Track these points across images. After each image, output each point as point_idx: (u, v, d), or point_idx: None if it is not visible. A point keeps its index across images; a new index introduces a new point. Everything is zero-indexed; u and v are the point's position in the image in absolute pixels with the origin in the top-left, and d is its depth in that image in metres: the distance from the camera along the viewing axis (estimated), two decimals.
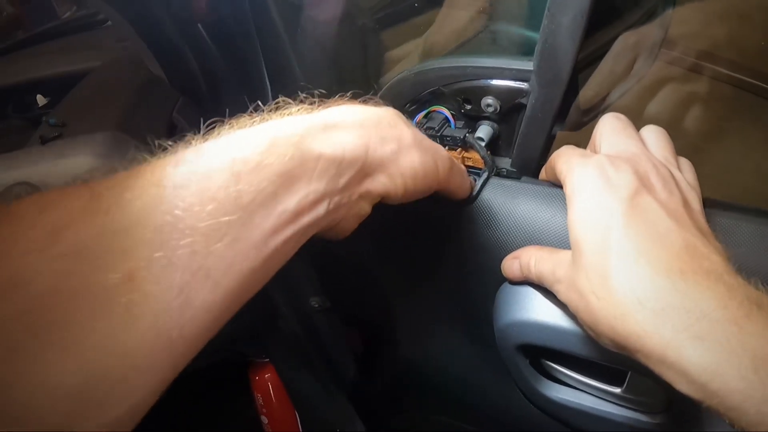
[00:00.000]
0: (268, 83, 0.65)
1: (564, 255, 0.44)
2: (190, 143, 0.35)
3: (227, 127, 0.38)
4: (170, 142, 0.35)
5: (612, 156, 0.44)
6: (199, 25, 0.63)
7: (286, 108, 0.41)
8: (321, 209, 0.39)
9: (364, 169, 0.42)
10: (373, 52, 0.91)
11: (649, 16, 0.67)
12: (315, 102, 0.43)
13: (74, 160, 0.60)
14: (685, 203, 0.42)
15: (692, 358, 0.34)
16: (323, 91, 0.45)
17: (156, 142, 0.35)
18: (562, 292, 0.44)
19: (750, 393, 0.32)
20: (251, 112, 0.40)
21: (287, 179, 0.36)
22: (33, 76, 0.87)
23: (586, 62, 0.55)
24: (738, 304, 0.34)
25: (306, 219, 0.37)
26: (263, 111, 0.41)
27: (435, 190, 0.49)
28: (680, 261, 0.37)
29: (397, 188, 0.44)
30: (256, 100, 0.65)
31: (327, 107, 0.43)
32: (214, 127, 0.37)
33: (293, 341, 0.86)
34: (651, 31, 0.65)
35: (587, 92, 0.57)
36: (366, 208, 0.45)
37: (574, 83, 0.52)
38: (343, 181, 0.40)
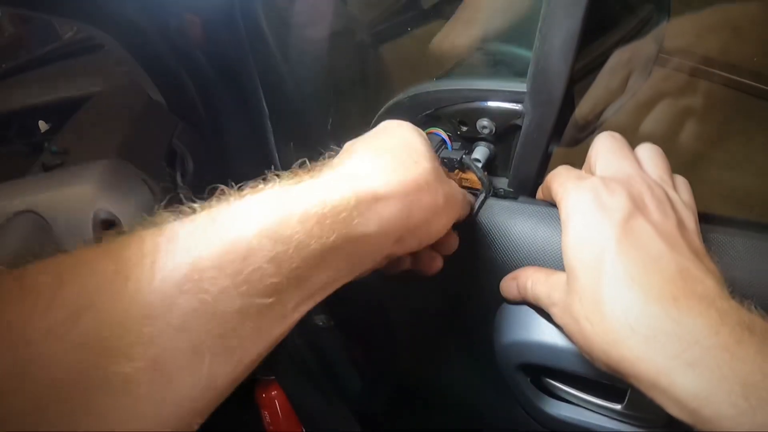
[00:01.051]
0: (265, 107, 0.66)
1: (560, 278, 0.45)
2: (227, 200, 0.34)
3: (268, 184, 0.36)
4: (201, 199, 0.34)
5: (606, 178, 0.44)
6: (198, 51, 0.64)
7: (329, 164, 0.40)
8: (351, 276, 0.39)
9: (398, 238, 0.41)
10: (372, 68, 0.92)
11: (644, 24, 0.67)
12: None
13: (77, 188, 0.60)
14: (680, 224, 0.42)
15: (684, 384, 0.34)
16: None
17: (188, 203, 0.33)
18: (558, 315, 0.44)
19: (740, 420, 0.32)
20: (296, 166, 0.39)
21: (327, 260, 0.34)
22: (35, 101, 0.87)
23: (582, 73, 0.56)
24: (730, 330, 0.34)
25: (336, 286, 0.37)
26: (306, 164, 0.39)
27: None
28: (673, 286, 0.37)
29: (420, 247, 0.45)
30: (254, 125, 0.66)
31: (367, 161, 0.41)
32: (254, 186, 0.35)
33: (299, 359, 0.87)
34: (645, 46, 0.65)
35: (583, 109, 0.57)
36: (384, 263, 0.46)
37: (570, 101, 0.52)
38: (378, 252, 0.40)
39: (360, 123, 0.67)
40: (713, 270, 0.40)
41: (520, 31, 0.60)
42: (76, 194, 0.60)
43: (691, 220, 0.44)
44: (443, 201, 0.44)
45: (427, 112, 0.58)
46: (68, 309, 0.26)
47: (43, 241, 0.57)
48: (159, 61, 0.64)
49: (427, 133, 0.59)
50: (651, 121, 0.83)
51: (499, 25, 0.67)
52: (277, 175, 0.37)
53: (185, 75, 0.65)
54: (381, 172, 0.40)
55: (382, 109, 0.62)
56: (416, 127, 0.48)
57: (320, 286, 0.35)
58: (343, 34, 0.83)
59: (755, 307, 0.37)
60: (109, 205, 0.59)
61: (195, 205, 0.33)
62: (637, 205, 0.42)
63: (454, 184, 0.49)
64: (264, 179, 0.37)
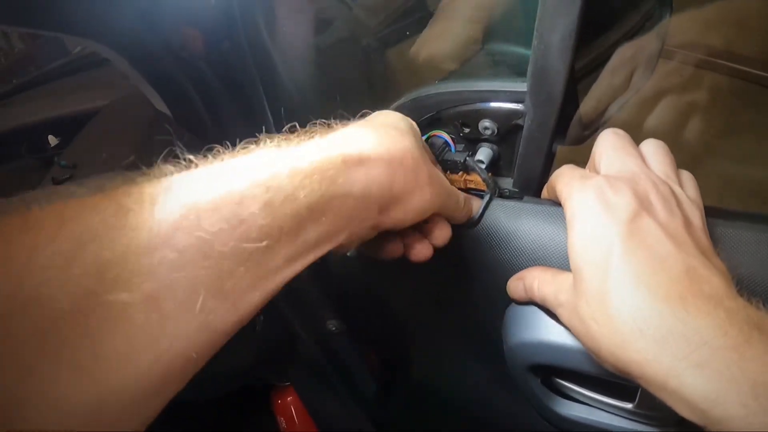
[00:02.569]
0: (270, 116, 0.66)
1: (566, 278, 0.44)
2: (222, 158, 0.36)
3: (261, 144, 0.38)
4: (200, 154, 0.35)
5: (611, 177, 0.44)
6: (201, 62, 0.64)
7: (320, 131, 0.42)
8: (339, 238, 0.40)
9: (385, 203, 0.42)
10: (378, 72, 0.92)
11: (647, 19, 0.67)
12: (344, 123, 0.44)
13: (80, 190, 0.61)
14: (686, 222, 0.42)
15: (693, 386, 0.34)
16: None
17: (185, 155, 0.35)
18: (565, 316, 0.44)
19: (750, 420, 0.32)
20: (286, 130, 0.40)
21: (315, 213, 0.36)
22: (44, 116, 0.89)
23: (585, 71, 0.55)
24: (738, 330, 0.34)
25: (324, 248, 0.38)
26: (297, 131, 0.41)
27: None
28: (680, 286, 0.37)
29: (405, 221, 0.45)
30: (260, 133, 0.67)
31: (357, 130, 0.43)
32: (246, 145, 0.37)
33: (313, 364, 0.87)
34: (648, 42, 0.64)
35: (587, 106, 0.57)
36: (372, 234, 0.46)
37: (573, 99, 0.52)
38: (364, 215, 0.41)
39: None
40: (721, 268, 0.40)
41: (519, 29, 0.60)
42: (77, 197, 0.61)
43: (697, 217, 0.43)
44: (426, 176, 0.45)
45: (429, 114, 0.58)
46: (71, 242, 0.27)
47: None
48: (164, 74, 0.65)
49: (431, 136, 0.59)
50: (659, 115, 0.82)
51: (471, 35, 0.67)
52: (269, 138, 0.39)
53: (190, 86, 0.66)
54: (368, 139, 0.42)
55: None
56: (405, 117, 0.49)
57: (310, 243, 0.37)
58: (347, 40, 0.84)
59: (764, 305, 0.36)
60: None
61: (192, 159, 0.35)
62: (643, 204, 0.41)
63: (440, 173, 0.50)
64: (256, 141, 0.38)
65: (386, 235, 0.50)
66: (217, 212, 0.31)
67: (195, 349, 0.30)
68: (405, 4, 1.16)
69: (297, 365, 0.90)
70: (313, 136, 0.41)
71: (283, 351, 0.86)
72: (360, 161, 0.40)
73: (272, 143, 0.38)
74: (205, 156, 0.36)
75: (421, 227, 0.51)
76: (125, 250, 0.28)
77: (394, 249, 0.51)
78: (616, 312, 0.38)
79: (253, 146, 0.38)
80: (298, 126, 0.43)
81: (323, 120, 0.44)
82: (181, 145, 0.36)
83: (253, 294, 0.33)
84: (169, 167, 0.34)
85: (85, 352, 0.26)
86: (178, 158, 0.35)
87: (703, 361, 0.34)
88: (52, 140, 0.88)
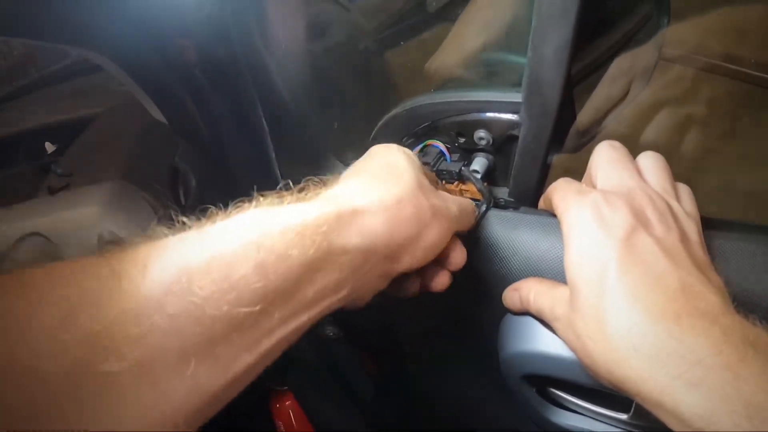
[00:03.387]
0: (265, 124, 0.66)
1: (562, 292, 0.44)
2: (215, 219, 0.35)
3: (254, 205, 0.37)
4: (193, 218, 0.35)
5: (607, 192, 0.44)
6: (195, 70, 0.64)
7: (314, 189, 0.41)
8: (341, 294, 0.39)
9: (390, 253, 0.42)
10: (377, 77, 0.92)
11: (644, 23, 0.66)
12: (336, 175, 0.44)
13: (81, 210, 0.61)
14: (683, 236, 0.42)
15: (687, 404, 0.34)
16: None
17: (180, 218, 0.35)
18: (561, 330, 0.44)
19: None
20: (281, 188, 0.40)
21: (309, 271, 0.35)
22: (41, 122, 0.89)
23: (584, 74, 0.55)
24: (733, 349, 0.34)
25: (325, 303, 0.38)
26: (291, 188, 0.41)
27: None
28: (676, 304, 0.37)
29: (418, 262, 0.45)
30: (255, 142, 0.67)
31: (350, 184, 0.43)
32: (240, 205, 0.37)
33: (311, 369, 0.87)
34: (645, 52, 0.64)
35: (584, 116, 0.57)
36: (384, 284, 0.45)
37: (569, 109, 0.52)
38: (367, 267, 0.40)
39: (362, 135, 0.67)
40: (717, 283, 0.40)
41: (515, 40, 0.60)
42: (81, 217, 0.61)
43: (694, 231, 0.43)
44: (430, 213, 0.44)
45: (425, 124, 0.58)
46: (64, 307, 0.27)
47: (50, 262, 0.58)
48: (158, 82, 0.65)
49: (426, 146, 0.59)
50: (657, 124, 0.82)
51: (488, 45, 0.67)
52: (263, 196, 0.38)
53: (185, 94, 0.66)
54: (361, 191, 0.42)
55: (380, 123, 0.62)
56: (402, 148, 0.49)
57: (306, 302, 0.36)
58: (343, 45, 0.83)
59: (761, 321, 0.36)
60: (113, 226, 0.60)
61: (186, 222, 0.35)
62: (639, 220, 0.41)
63: (448, 196, 0.49)
64: (250, 200, 0.38)
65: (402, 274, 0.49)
66: (209, 275, 0.31)
67: (183, 412, 0.30)
68: (403, 7, 1.16)
69: (295, 370, 0.90)
70: (306, 194, 0.40)
71: (281, 356, 0.86)
72: (354, 214, 0.39)
73: (265, 201, 0.38)
74: (198, 218, 0.35)
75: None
76: (117, 316, 0.28)
77: (412, 287, 0.50)
78: (612, 330, 0.38)
79: (246, 205, 0.37)
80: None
81: (315, 178, 0.44)
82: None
83: (246, 357, 0.33)
84: (163, 229, 0.34)
85: (74, 420, 0.26)
86: (173, 220, 0.35)
87: (697, 379, 0.34)
88: (49, 147, 0.88)
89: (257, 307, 0.32)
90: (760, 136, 1.08)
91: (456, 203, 0.49)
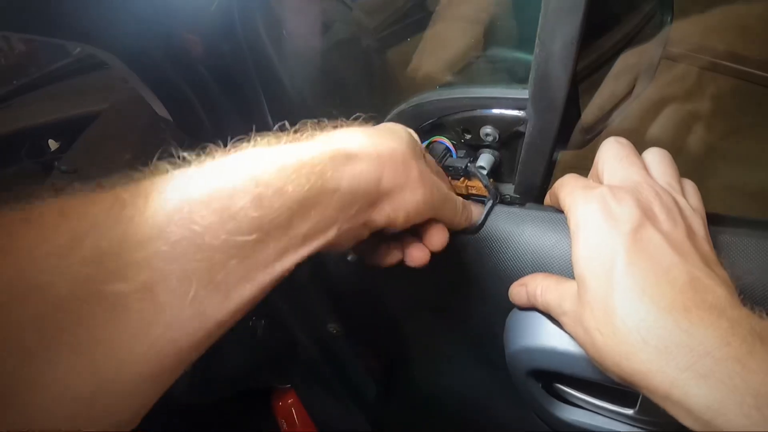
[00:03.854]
0: (270, 120, 0.66)
1: (570, 287, 0.45)
2: (214, 156, 0.37)
3: (252, 143, 0.39)
4: (194, 153, 0.36)
5: (614, 187, 0.44)
6: (200, 66, 0.64)
7: (310, 131, 0.42)
8: (330, 234, 0.40)
9: (373, 199, 0.43)
10: (379, 73, 0.92)
11: (649, 20, 0.67)
12: (336, 124, 0.45)
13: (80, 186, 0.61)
14: (689, 232, 0.42)
15: (696, 396, 0.34)
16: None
17: (180, 154, 0.36)
18: (569, 324, 0.44)
19: (754, 430, 0.32)
20: (276, 129, 0.41)
21: (304, 206, 0.37)
22: (44, 120, 0.88)
23: (589, 71, 0.55)
24: (741, 341, 0.34)
25: (315, 243, 0.39)
26: (288, 130, 0.41)
27: (429, 218, 0.50)
28: (684, 297, 0.37)
29: (398, 219, 0.45)
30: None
31: (346, 131, 0.44)
32: (237, 144, 0.38)
33: (313, 367, 0.87)
34: (650, 49, 0.64)
35: (589, 112, 0.57)
36: (365, 233, 0.46)
37: (575, 105, 0.52)
38: (353, 210, 0.41)
39: None
40: (724, 277, 0.40)
41: (522, 36, 0.60)
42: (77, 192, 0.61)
43: (700, 226, 0.44)
44: (417, 175, 0.45)
45: (431, 120, 0.58)
46: (70, 235, 0.28)
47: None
48: (162, 78, 0.64)
49: (432, 142, 0.59)
50: (662, 121, 0.82)
51: (470, 41, 0.67)
52: (260, 136, 0.40)
53: (189, 91, 0.65)
54: (356, 138, 0.43)
55: (386, 119, 0.62)
56: (406, 127, 0.50)
57: (300, 237, 0.37)
58: (347, 42, 0.84)
59: (767, 315, 0.37)
60: None
61: (186, 157, 0.36)
62: (646, 214, 0.41)
63: (440, 183, 0.50)
64: (248, 139, 0.39)
65: (385, 241, 0.50)
66: (209, 206, 0.32)
67: (187, 337, 0.31)
68: (405, 5, 1.16)
69: (298, 368, 0.90)
70: (303, 135, 0.42)
71: (283, 354, 0.86)
72: (347, 157, 0.40)
73: (263, 141, 0.39)
74: (198, 154, 0.37)
75: (418, 232, 0.51)
76: (122, 241, 0.29)
77: (393, 255, 0.51)
78: (621, 323, 0.38)
79: (245, 144, 0.39)
80: (288, 125, 0.43)
81: (315, 120, 0.45)
82: (178, 148, 0.36)
83: (244, 286, 0.34)
84: (165, 165, 0.35)
85: (83, 338, 0.27)
86: (174, 156, 0.36)
87: (706, 371, 0.34)
88: (53, 144, 0.88)
89: (253, 236, 0.33)
90: (764, 135, 1.08)
91: (446, 191, 0.51)
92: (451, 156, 0.58)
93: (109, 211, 0.29)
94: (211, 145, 0.38)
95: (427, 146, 0.60)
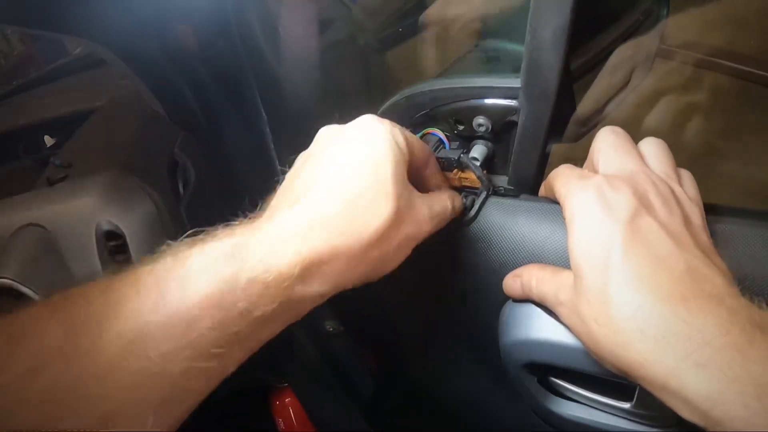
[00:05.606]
0: (263, 114, 0.66)
1: (566, 277, 0.44)
2: (176, 258, 0.35)
3: (216, 238, 0.37)
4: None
5: (610, 176, 0.43)
6: (195, 61, 0.64)
7: (279, 207, 0.41)
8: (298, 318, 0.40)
9: (354, 284, 0.43)
10: (377, 71, 0.92)
11: (644, 19, 0.66)
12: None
13: (79, 201, 0.61)
14: (686, 221, 0.42)
15: (694, 386, 0.34)
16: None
17: (142, 258, 0.35)
18: (565, 315, 0.44)
19: (753, 421, 0.31)
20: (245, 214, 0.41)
21: (267, 322, 0.36)
22: (41, 117, 0.89)
23: (585, 69, 0.55)
24: (740, 330, 0.34)
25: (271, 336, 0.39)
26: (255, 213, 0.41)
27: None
28: (682, 286, 0.37)
29: (394, 263, 0.45)
30: (253, 132, 0.67)
31: (325, 211, 0.40)
32: (198, 237, 0.37)
33: (311, 365, 0.87)
34: (646, 42, 0.64)
35: (584, 105, 0.57)
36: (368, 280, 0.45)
37: (570, 98, 0.52)
38: (323, 301, 0.41)
39: None
40: (722, 267, 0.40)
41: (513, 25, 0.60)
42: (78, 207, 0.61)
43: (697, 216, 0.43)
44: (395, 246, 0.44)
45: (423, 112, 0.58)
46: (23, 367, 0.28)
47: (48, 252, 0.58)
48: (158, 73, 0.65)
49: (425, 134, 0.59)
50: (658, 114, 0.82)
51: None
52: (223, 232, 0.38)
53: (184, 86, 0.66)
54: (330, 231, 0.40)
55: (379, 111, 0.62)
56: (394, 133, 0.46)
57: (259, 343, 0.37)
58: (343, 41, 0.83)
59: (767, 304, 0.36)
60: (111, 216, 0.60)
61: (143, 260, 0.36)
62: (643, 203, 0.41)
63: (425, 212, 0.47)
64: (209, 234, 0.38)
65: None
66: (166, 336, 0.32)
67: None
68: (404, 5, 1.16)
69: (295, 366, 0.90)
70: (273, 215, 0.41)
71: (280, 352, 0.86)
72: (320, 264, 0.39)
73: (227, 240, 0.37)
74: (155, 252, 0.36)
75: None
76: (79, 375, 0.29)
77: None
78: (618, 312, 0.37)
79: (207, 240, 0.37)
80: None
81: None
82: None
83: (200, 398, 0.35)
84: (117, 275, 0.34)
85: None
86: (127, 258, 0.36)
87: (705, 360, 0.34)
88: (48, 141, 0.88)
89: (213, 363, 0.33)
90: (761, 130, 1.07)
91: (431, 206, 0.48)
92: (444, 147, 0.58)
93: (63, 343, 0.29)
94: (168, 242, 0.37)
95: (420, 138, 0.59)
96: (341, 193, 0.41)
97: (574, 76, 0.50)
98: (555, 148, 0.55)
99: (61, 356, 0.29)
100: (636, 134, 0.50)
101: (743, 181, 0.96)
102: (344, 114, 0.70)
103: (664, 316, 0.36)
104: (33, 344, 0.29)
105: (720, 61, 1.11)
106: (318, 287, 0.39)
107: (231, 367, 0.36)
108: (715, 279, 0.37)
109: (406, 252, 0.46)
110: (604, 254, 0.39)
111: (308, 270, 0.38)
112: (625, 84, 0.64)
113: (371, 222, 0.41)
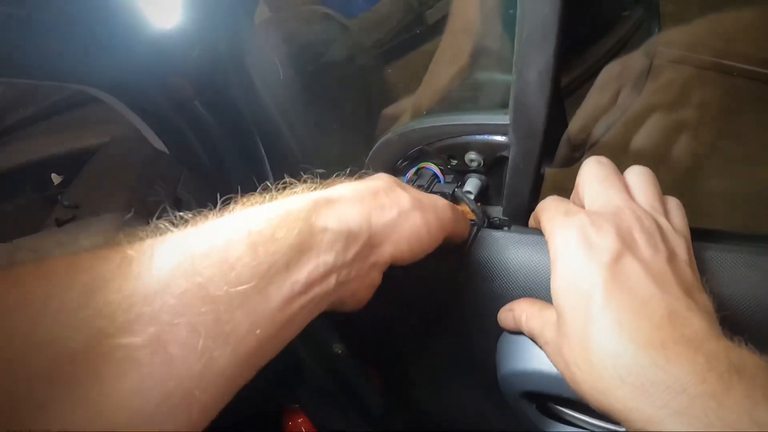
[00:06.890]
0: (263, 152, 0.67)
1: (552, 314, 0.45)
2: (207, 216, 0.38)
3: (240, 204, 0.40)
4: (191, 215, 0.38)
5: (594, 214, 0.44)
6: (195, 102, 0.65)
7: (292, 187, 0.43)
8: (331, 281, 0.40)
9: (370, 240, 0.43)
10: (376, 96, 0.92)
11: (635, 31, 0.67)
12: (316, 181, 0.46)
13: (86, 242, 0.62)
14: (671, 256, 0.42)
15: None
16: (322, 171, 0.48)
17: (178, 215, 0.37)
18: (550, 354, 0.45)
19: None
20: (260, 190, 0.42)
21: (298, 251, 0.38)
22: (47, 153, 0.90)
23: (582, 80, 0.56)
24: (717, 377, 0.34)
25: (317, 290, 0.39)
26: (272, 190, 0.43)
27: (443, 240, 0.50)
28: (661, 332, 0.37)
29: (404, 253, 0.46)
30: (255, 171, 0.68)
31: (328, 185, 0.45)
32: (228, 203, 0.40)
33: (321, 386, 0.88)
34: (635, 60, 0.65)
35: (575, 126, 0.57)
36: (377, 278, 0.46)
37: (561, 119, 0.53)
38: (350, 254, 0.41)
39: (360, 157, 0.67)
40: (704, 305, 0.40)
41: (501, 60, 0.61)
42: (86, 247, 0.62)
43: (683, 249, 0.43)
44: (409, 202, 0.46)
45: (417, 147, 0.59)
46: (81, 290, 0.29)
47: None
48: (159, 115, 0.66)
49: (419, 168, 0.60)
50: (651, 125, 0.82)
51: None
52: (248, 197, 0.41)
53: (185, 126, 0.67)
54: (336, 188, 0.45)
55: (374, 148, 0.63)
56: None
57: (300, 284, 0.37)
58: (342, 64, 0.84)
59: (746, 342, 0.37)
60: None
61: (184, 216, 0.38)
62: (626, 243, 0.41)
63: (437, 198, 0.51)
64: (235, 200, 0.41)
65: None
66: (209, 257, 0.33)
67: (199, 390, 0.32)
68: (402, 20, 1.16)
69: (306, 388, 0.91)
70: (286, 191, 0.43)
71: (291, 375, 0.87)
72: (329, 202, 0.42)
73: (249, 201, 0.41)
74: (194, 216, 0.38)
75: None
76: (131, 295, 0.30)
77: None
78: (597, 359, 0.38)
79: (232, 205, 0.40)
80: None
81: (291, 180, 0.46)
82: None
83: (251, 337, 0.34)
84: (165, 223, 0.36)
85: (95, 392, 0.28)
86: (172, 216, 0.37)
87: (682, 408, 0.34)
88: (56, 178, 0.89)
89: (253, 283, 0.34)
90: (756, 134, 1.07)
91: (446, 204, 0.51)
92: (439, 182, 0.59)
93: (118, 267, 0.31)
94: (204, 210, 0.39)
95: (416, 172, 0.61)
96: (344, 183, 0.47)
97: (564, 93, 0.51)
98: (547, 174, 0.56)
99: (114, 279, 0.30)
100: (627, 152, 0.50)
101: (743, 186, 0.96)
102: (343, 142, 0.72)
103: (643, 364, 0.36)
104: (91, 270, 0.30)
105: (721, 60, 1.11)
106: (335, 223, 0.41)
107: (276, 314, 0.36)
108: (694, 322, 0.38)
109: (429, 217, 0.48)
110: (585, 298, 0.40)
111: (320, 205, 0.41)
112: (614, 103, 0.65)
113: (369, 182, 0.47)
